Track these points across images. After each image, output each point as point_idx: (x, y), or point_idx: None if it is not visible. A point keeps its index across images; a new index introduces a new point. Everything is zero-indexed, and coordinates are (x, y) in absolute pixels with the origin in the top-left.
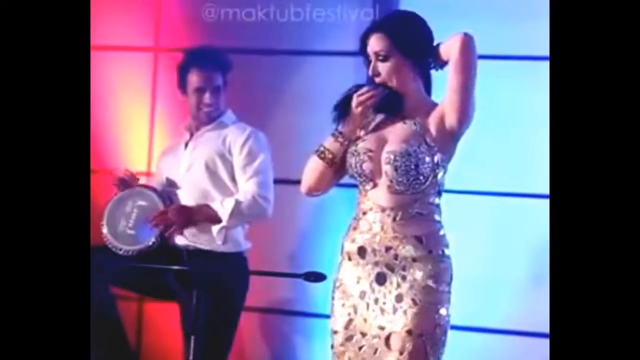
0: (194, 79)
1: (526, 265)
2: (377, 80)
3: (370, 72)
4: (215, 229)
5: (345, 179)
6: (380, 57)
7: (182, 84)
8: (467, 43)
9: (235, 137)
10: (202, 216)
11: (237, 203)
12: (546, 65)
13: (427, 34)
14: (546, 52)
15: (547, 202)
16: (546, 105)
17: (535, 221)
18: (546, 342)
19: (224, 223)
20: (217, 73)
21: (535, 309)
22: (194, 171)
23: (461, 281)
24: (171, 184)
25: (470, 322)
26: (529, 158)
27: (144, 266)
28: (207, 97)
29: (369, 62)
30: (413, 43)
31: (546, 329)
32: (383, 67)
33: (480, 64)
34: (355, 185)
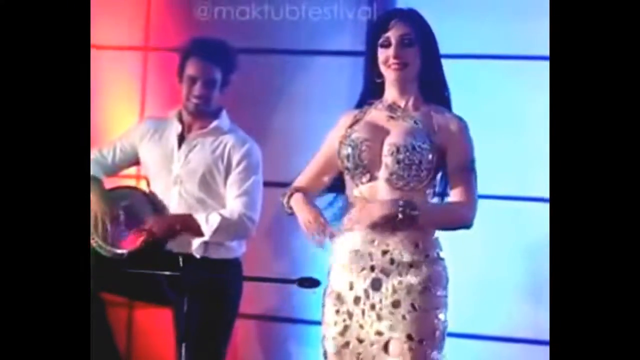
0: (189, 67)
1: (526, 270)
2: (396, 62)
3: (393, 53)
4: (196, 242)
5: None
6: (406, 41)
7: (180, 71)
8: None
9: (234, 148)
10: (184, 227)
11: (222, 220)
12: (546, 65)
13: (432, 33)
14: (546, 52)
15: (547, 205)
16: (546, 106)
17: (535, 225)
18: (546, 350)
19: (205, 238)
20: (216, 66)
21: (535, 315)
22: (191, 180)
23: (460, 287)
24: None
25: (469, 329)
26: (529, 160)
27: (137, 272)
28: (196, 88)
29: (378, 47)
30: (429, 36)
31: (546, 336)
32: (409, 52)
33: (480, 64)
34: None
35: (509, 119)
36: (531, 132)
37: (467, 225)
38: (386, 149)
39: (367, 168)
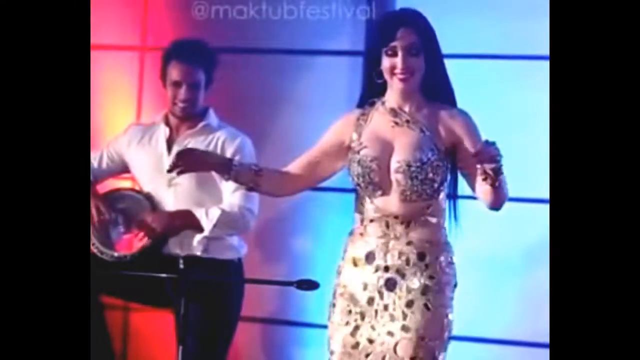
0: (173, 71)
1: (525, 272)
2: (403, 72)
3: (400, 64)
4: (196, 238)
5: (341, 183)
6: (414, 52)
7: (163, 76)
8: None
9: (226, 143)
10: (183, 223)
11: (222, 214)
12: (546, 65)
13: (436, 36)
14: (546, 51)
15: (547, 207)
16: (546, 106)
17: (535, 227)
18: (546, 352)
19: (206, 233)
20: (199, 68)
21: (535, 318)
22: (186, 180)
23: (460, 288)
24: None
25: (469, 332)
26: (529, 161)
27: (138, 274)
28: (182, 93)
29: (382, 53)
30: (434, 41)
31: (546, 338)
32: (416, 61)
33: (480, 64)
34: (350, 190)
35: (508, 119)
36: (531, 133)
37: (503, 203)
38: (394, 166)
39: (378, 185)
